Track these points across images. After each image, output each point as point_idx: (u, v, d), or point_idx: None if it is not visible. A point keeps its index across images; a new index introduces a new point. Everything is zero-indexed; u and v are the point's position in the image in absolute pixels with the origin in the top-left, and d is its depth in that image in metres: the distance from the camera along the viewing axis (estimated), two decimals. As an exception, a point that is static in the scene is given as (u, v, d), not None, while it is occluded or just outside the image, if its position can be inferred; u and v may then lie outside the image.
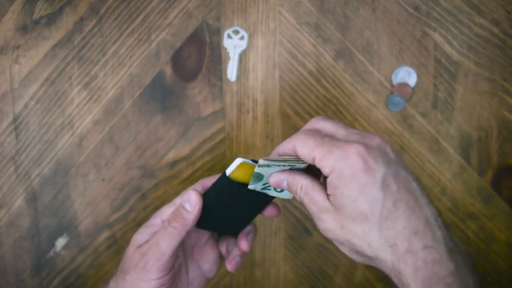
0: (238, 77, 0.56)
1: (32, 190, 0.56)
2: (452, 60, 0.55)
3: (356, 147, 0.36)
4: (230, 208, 0.45)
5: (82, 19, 0.54)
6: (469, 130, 0.56)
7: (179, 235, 0.43)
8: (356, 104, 0.56)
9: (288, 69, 0.56)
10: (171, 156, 0.57)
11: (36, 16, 0.54)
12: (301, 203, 0.40)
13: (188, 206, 0.43)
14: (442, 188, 0.57)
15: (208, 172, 0.57)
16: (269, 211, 0.46)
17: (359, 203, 0.36)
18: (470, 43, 0.55)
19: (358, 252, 0.37)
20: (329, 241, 0.58)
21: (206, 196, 0.44)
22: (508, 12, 0.54)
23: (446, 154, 0.57)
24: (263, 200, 0.45)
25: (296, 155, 0.40)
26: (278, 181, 0.41)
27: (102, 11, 0.54)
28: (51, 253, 0.57)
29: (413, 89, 0.55)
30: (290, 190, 0.41)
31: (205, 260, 0.48)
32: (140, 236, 0.45)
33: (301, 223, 0.58)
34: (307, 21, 0.55)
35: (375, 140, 0.37)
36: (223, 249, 0.48)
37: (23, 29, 0.54)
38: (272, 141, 0.57)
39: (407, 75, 0.55)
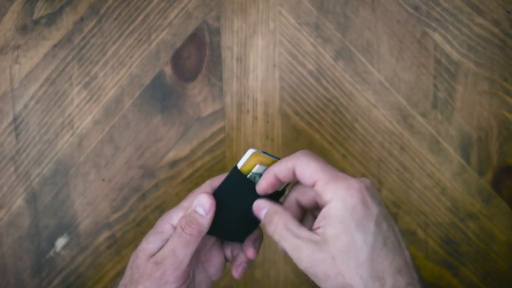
0: (238, 77, 0.56)
1: (32, 190, 0.56)
2: (452, 60, 0.55)
3: (357, 182, 0.38)
4: (240, 210, 0.44)
5: (82, 19, 0.55)
6: (469, 130, 0.56)
7: (196, 242, 0.42)
8: (356, 104, 0.56)
9: (288, 69, 0.56)
10: (171, 156, 0.57)
11: (36, 16, 0.54)
12: (273, 237, 0.40)
13: (201, 210, 0.42)
14: (442, 188, 0.57)
15: (208, 172, 0.57)
16: None
17: (355, 236, 0.37)
18: (470, 43, 0.55)
19: (343, 286, 0.37)
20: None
21: (216, 195, 0.43)
22: (508, 12, 0.55)
23: (446, 154, 0.57)
24: (272, 197, 0.45)
25: (291, 177, 0.41)
26: (258, 208, 0.43)
27: (102, 11, 0.54)
28: (51, 253, 0.57)
29: (412, 88, 0.55)
30: (265, 222, 0.42)
31: (211, 264, 0.47)
32: (151, 244, 0.43)
33: (301, 223, 0.58)
34: (307, 21, 0.55)
35: (367, 181, 0.39)
36: (227, 252, 0.47)
37: (23, 29, 0.54)
38: (272, 141, 0.57)
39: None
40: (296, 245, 0.38)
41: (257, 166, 0.43)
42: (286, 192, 0.45)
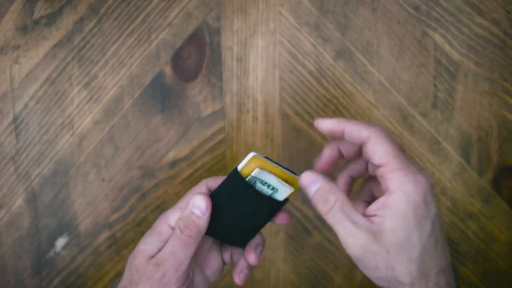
0: (238, 77, 0.56)
1: (32, 190, 0.56)
2: (452, 60, 0.55)
3: (426, 180, 0.38)
4: (238, 213, 0.44)
5: (82, 19, 0.55)
6: (469, 130, 0.56)
7: (195, 243, 0.42)
8: (356, 104, 0.56)
9: (288, 69, 0.56)
10: (171, 156, 0.57)
11: (36, 16, 0.54)
12: (322, 217, 0.39)
13: (197, 212, 0.42)
14: (442, 188, 0.57)
15: (208, 172, 0.57)
16: (280, 218, 0.45)
17: (412, 233, 0.37)
18: (470, 43, 0.55)
19: (391, 279, 0.38)
20: (329, 241, 0.58)
21: (214, 196, 0.43)
22: (508, 12, 0.55)
23: (446, 154, 0.57)
24: (272, 205, 0.44)
25: (356, 150, 0.40)
26: (309, 182, 0.40)
27: (102, 11, 0.54)
28: (51, 253, 0.57)
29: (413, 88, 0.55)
30: (318, 200, 0.39)
31: (209, 266, 0.47)
32: (149, 246, 0.43)
33: (301, 223, 0.58)
34: (307, 21, 0.55)
35: (431, 179, 0.39)
36: (226, 256, 0.47)
37: (23, 29, 0.54)
38: (272, 141, 0.57)
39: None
40: (351, 231, 0.37)
41: (257, 170, 0.42)
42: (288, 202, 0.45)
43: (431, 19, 0.55)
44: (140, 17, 0.55)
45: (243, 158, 0.43)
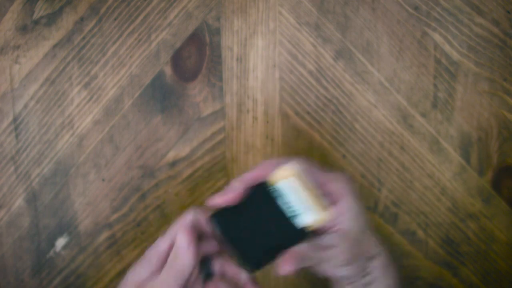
0: (238, 77, 0.56)
1: (32, 190, 0.56)
2: (452, 60, 0.55)
3: (342, 173, 0.45)
4: (260, 228, 0.43)
5: (82, 19, 0.55)
6: (469, 130, 0.56)
7: (185, 274, 0.42)
8: (356, 104, 0.56)
9: (288, 69, 0.56)
10: (171, 156, 0.57)
11: (36, 16, 0.54)
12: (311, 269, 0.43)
13: (183, 245, 0.43)
14: (442, 188, 0.57)
15: (208, 172, 0.57)
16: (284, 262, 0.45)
17: (363, 214, 0.44)
18: (470, 43, 0.55)
19: (366, 260, 0.44)
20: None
21: (247, 194, 0.42)
22: (508, 12, 0.55)
23: (446, 154, 0.57)
24: (293, 234, 0.43)
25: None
26: (290, 263, 0.43)
27: (102, 11, 0.54)
28: (51, 253, 0.57)
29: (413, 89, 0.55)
30: (300, 261, 0.43)
31: None
32: (137, 275, 0.44)
33: (301, 223, 0.58)
34: (307, 21, 0.55)
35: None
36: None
37: (23, 29, 0.54)
38: (272, 141, 0.57)
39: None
40: (332, 254, 0.43)
41: (292, 178, 0.41)
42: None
43: (431, 19, 0.55)
44: (140, 17, 0.55)
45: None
